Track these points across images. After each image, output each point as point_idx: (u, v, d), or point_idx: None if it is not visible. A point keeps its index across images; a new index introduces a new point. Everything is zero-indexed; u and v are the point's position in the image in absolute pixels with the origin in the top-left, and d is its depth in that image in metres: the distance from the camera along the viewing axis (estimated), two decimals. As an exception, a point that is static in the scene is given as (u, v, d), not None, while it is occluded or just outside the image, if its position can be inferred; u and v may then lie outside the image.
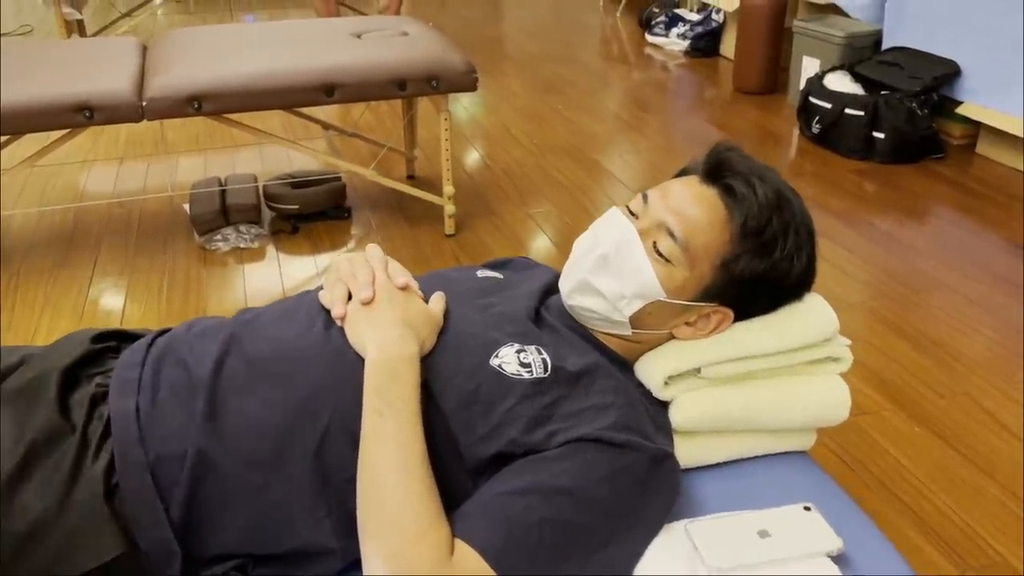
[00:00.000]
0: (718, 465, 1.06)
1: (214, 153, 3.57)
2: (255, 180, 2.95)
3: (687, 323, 1.03)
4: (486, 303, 1.05)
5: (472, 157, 3.55)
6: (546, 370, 0.94)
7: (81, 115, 2.29)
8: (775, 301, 1.04)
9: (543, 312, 1.07)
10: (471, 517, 0.85)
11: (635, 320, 1.02)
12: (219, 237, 2.77)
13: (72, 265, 2.68)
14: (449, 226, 2.81)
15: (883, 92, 3.38)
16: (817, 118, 3.49)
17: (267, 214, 2.94)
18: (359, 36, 2.77)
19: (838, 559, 0.89)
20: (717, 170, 1.01)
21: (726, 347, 1.01)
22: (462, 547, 0.82)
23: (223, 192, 2.86)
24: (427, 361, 0.94)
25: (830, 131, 3.46)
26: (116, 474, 0.85)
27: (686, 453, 1.03)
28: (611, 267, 1.00)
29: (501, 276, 1.15)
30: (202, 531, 0.88)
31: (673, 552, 0.88)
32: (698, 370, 1.01)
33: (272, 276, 2.62)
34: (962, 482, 1.77)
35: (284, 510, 0.89)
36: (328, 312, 0.99)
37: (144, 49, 2.74)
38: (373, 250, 1.05)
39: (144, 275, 2.62)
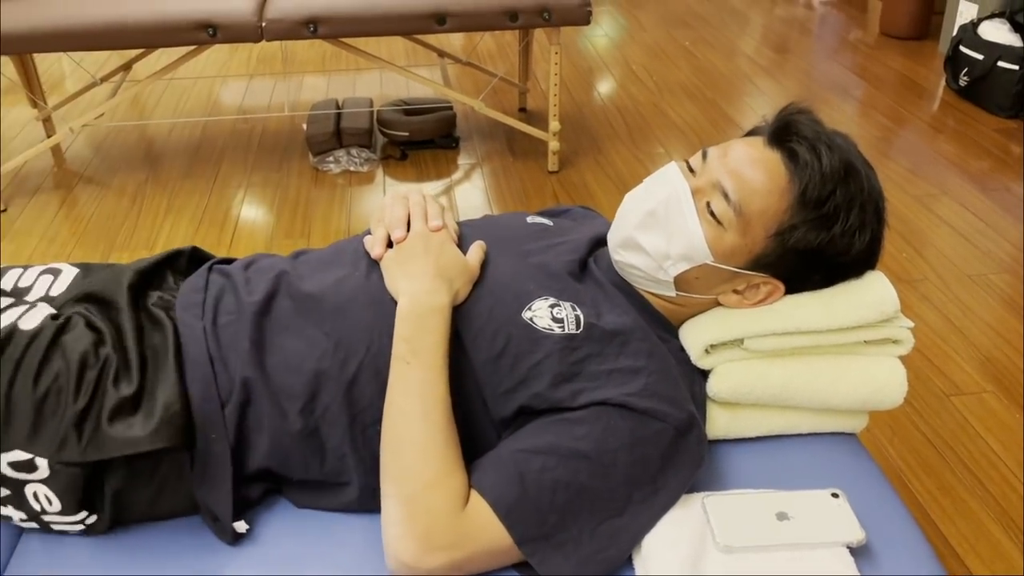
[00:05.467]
0: (757, 439, 1.03)
1: (337, 75, 3.65)
2: (370, 105, 3.01)
3: (735, 290, 0.99)
4: (527, 251, 1.04)
5: (587, 92, 3.48)
6: (578, 327, 0.93)
7: (205, 33, 2.39)
8: (830, 277, 0.98)
9: (591, 264, 1.06)
10: (487, 470, 0.87)
11: (680, 282, 0.99)
12: (331, 159, 2.85)
13: (196, 175, 2.83)
14: (552, 163, 2.79)
15: (1045, 45, 3.08)
16: (966, 70, 3.22)
17: (379, 139, 3.00)
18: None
19: (860, 551, 0.86)
20: (783, 133, 0.95)
21: (773, 319, 0.97)
22: (476, 498, 0.85)
23: (339, 115, 2.94)
24: (460, 310, 0.95)
25: (979, 85, 3.19)
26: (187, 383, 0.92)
27: (724, 424, 1.01)
28: (659, 224, 0.97)
29: (551, 223, 1.13)
30: (243, 450, 0.93)
31: (685, 524, 0.87)
32: (741, 341, 0.98)
33: (377, 200, 2.69)
34: (1057, 478, 1.66)
35: (313, 442, 0.93)
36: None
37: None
38: (415, 194, 1.05)
39: (259, 190, 2.74)
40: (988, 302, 2.18)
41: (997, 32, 3.21)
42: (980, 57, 3.17)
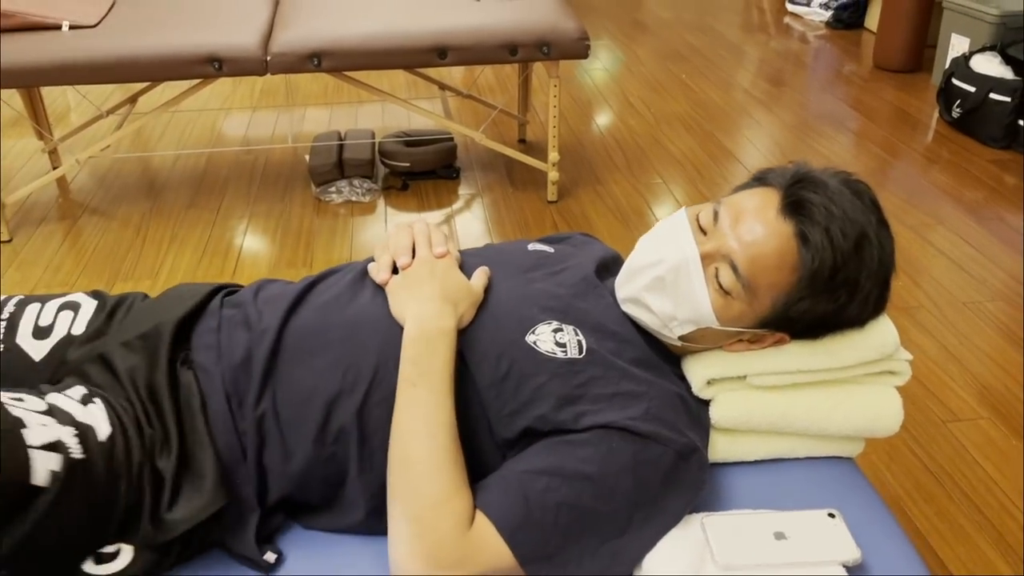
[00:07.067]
0: (756, 462, 1.05)
1: (339, 107, 3.70)
2: (372, 136, 3.05)
3: (740, 340, 1.00)
4: (531, 277, 1.06)
5: (586, 123, 3.53)
6: (580, 351, 0.95)
7: (211, 66, 2.43)
8: (835, 332, 1.00)
9: (601, 290, 1.07)
10: (492, 490, 0.89)
11: (685, 338, 1.00)
12: (333, 189, 2.89)
13: (199, 206, 2.86)
14: (552, 193, 2.83)
15: (1035, 77, 3.13)
16: (958, 102, 3.27)
17: (380, 170, 3.04)
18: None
19: (856, 570, 0.88)
20: (796, 208, 0.93)
21: (776, 360, 0.99)
22: (480, 518, 0.86)
23: (341, 146, 2.98)
24: (464, 334, 0.97)
25: (971, 116, 3.24)
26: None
27: (724, 448, 1.03)
28: (667, 290, 0.97)
29: (552, 250, 1.15)
30: (264, 486, 0.95)
31: (685, 544, 0.89)
32: (743, 376, 1.00)
33: (379, 230, 2.72)
34: (1054, 503, 1.67)
35: (330, 467, 0.95)
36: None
37: (277, 1, 2.86)
38: (419, 223, 1.08)
39: (262, 220, 2.77)
40: (983, 329, 2.20)
41: (989, 65, 3.26)
42: (972, 89, 3.23)
